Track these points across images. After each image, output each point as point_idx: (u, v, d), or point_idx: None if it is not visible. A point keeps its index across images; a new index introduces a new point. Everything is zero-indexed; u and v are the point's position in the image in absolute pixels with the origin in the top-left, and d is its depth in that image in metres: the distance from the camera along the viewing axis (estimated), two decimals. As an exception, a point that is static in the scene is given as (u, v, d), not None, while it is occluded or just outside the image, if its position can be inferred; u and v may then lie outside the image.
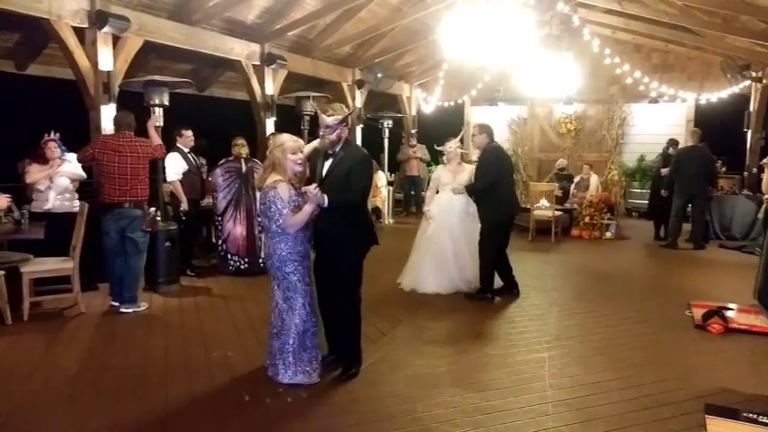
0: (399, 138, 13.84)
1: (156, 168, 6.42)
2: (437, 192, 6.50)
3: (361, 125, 12.27)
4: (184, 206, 6.71)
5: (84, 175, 6.11)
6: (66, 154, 6.01)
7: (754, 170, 10.73)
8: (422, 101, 14.64)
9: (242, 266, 6.95)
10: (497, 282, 6.11)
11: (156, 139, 5.83)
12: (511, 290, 6.18)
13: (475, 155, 6.59)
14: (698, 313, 5.25)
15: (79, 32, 6.23)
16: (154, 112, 6.29)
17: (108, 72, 6.36)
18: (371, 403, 3.61)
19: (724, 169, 11.23)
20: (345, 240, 3.90)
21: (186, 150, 6.92)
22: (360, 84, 11.80)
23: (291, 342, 3.78)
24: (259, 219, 6.64)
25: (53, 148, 5.94)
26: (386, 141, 12.62)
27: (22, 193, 6.00)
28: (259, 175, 4.05)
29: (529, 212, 9.90)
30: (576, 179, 11.21)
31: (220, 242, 7.03)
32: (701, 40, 10.97)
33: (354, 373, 3.98)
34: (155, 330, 5.02)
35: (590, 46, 10.88)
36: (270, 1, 8.36)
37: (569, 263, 8.17)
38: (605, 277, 7.27)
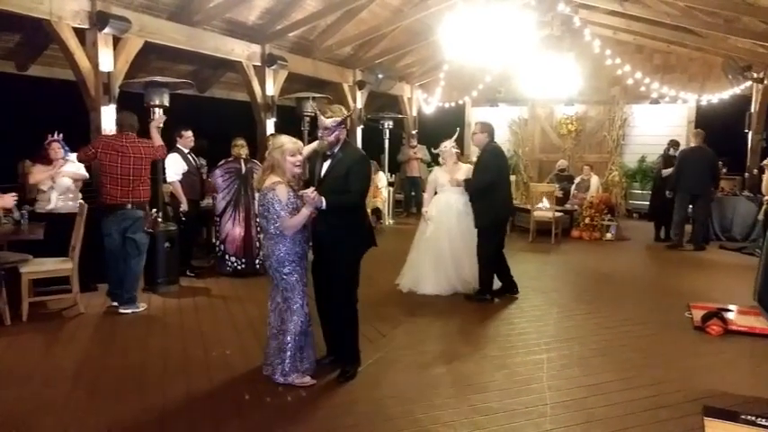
0: (400, 138, 13.84)
1: (156, 169, 6.43)
2: (435, 193, 6.50)
3: (362, 126, 12.27)
4: (184, 207, 6.72)
5: (86, 175, 6.13)
6: (68, 154, 6.02)
7: (755, 171, 10.71)
8: (422, 102, 14.64)
9: (239, 267, 6.96)
10: (496, 283, 6.11)
11: (158, 139, 5.84)
12: (510, 290, 6.17)
13: (474, 154, 6.59)
14: (697, 315, 5.24)
15: (80, 33, 6.24)
16: (154, 113, 6.30)
17: (108, 73, 6.37)
18: (370, 404, 3.61)
19: (725, 170, 11.20)
20: (343, 241, 3.90)
21: (186, 151, 6.93)
22: (360, 84, 11.81)
23: (289, 342, 3.79)
24: (257, 220, 6.67)
25: (56, 148, 5.96)
26: (386, 142, 12.65)
27: (22, 194, 6.01)
28: (258, 176, 4.05)
29: (529, 213, 9.90)
30: (577, 180, 11.21)
31: (218, 243, 7.04)
32: (703, 41, 10.96)
33: (353, 374, 3.98)
34: (154, 331, 5.02)
35: (591, 47, 10.89)
36: (271, 2, 8.37)
37: (569, 264, 8.16)
38: (605, 278, 7.27)
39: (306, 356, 3.90)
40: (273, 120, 9.33)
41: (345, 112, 4.02)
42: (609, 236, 9.94)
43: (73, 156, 5.97)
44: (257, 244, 6.91)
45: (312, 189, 3.70)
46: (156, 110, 6.33)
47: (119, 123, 5.71)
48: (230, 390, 3.82)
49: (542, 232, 9.81)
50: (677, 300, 5.99)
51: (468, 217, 6.08)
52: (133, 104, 6.24)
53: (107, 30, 6.22)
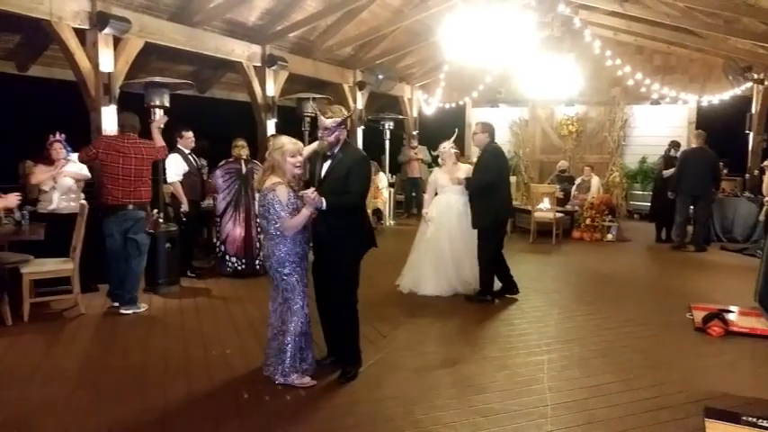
0: (400, 139, 13.84)
1: (157, 169, 6.43)
2: (436, 194, 6.50)
3: (363, 127, 12.27)
4: (185, 207, 6.72)
5: (88, 175, 6.12)
6: (70, 154, 6.02)
7: (756, 172, 10.71)
8: (423, 102, 14.64)
9: (239, 268, 6.96)
10: (496, 283, 6.10)
11: (160, 140, 5.84)
12: (510, 290, 6.17)
13: (474, 155, 6.59)
14: (698, 316, 5.23)
15: (80, 34, 6.23)
16: (154, 113, 6.30)
17: (109, 73, 6.36)
18: (371, 405, 3.61)
19: (726, 171, 11.20)
20: (344, 242, 3.90)
21: (187, 152, 6.93)
22: (361, 85, 11.80)
23: (289, 343, 3.79)
24: (257, 220, 6.67)
25: (58, 149, 5.97)
26: (387, 143, 12.67)
27: (23, 195, 6.01)
28: (258, 176, 4.05)
29: (530, 214, 9.89)
30: (578, 181, 11.21)
31: (219, 243, 7.04)
32: (703, 42, 10.96)
33: (354, 375, 3.98)
34: (154, 331, 5.03)
35: (591, 48, 10.88)
36: (271, 2, 8.36)
37: (570, 265, 8.16)
38: (606, 279, 7.26)
39: (306, 357, 3.90)
40: (274, 120, 9.32)
41: (345, 113, 4.02)
42: (610, 237, 9.94)
43: (74, 156, 5.97)
44: (257, 244, 6.91)
45: (312, 189, 3.70)
46: (157, 110, 6.33)
47: (120, 124, 5.71)
48: (230, 390, 3.82)
49: (543, 233, 9.81)
50: (678, 301, 5.98)
51: (468, 218, 6.08)
52: (133, 105, 6.24)
53: (107, 30, 6.22)
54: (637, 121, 13.12)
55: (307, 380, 3.85)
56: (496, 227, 5.99)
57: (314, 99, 9.30)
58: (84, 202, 5.99)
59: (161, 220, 6.24)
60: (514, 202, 10.81)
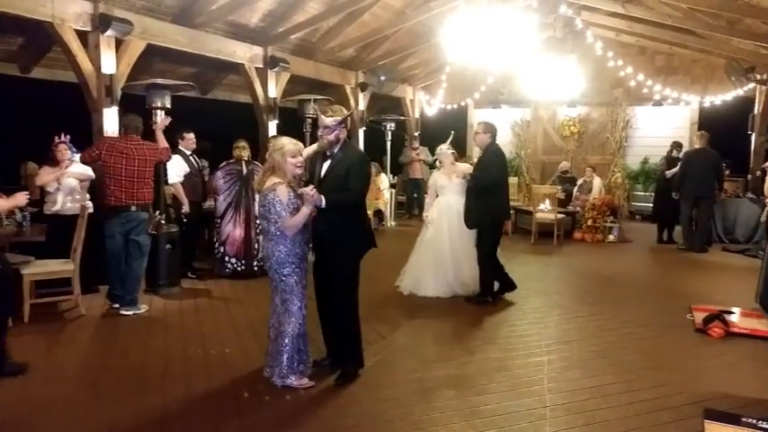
0: (402, 140, 13.84)
1: (158, 171, 6.43)
2: (437, 196, 6.51)
3: (364, 128, 12.28)
4: (186, 208, 6.73)
5: (92, 175, 6.12)
6: (75, 155, 6.04)
7: (758, 173, 10.68)
8: (425, 103, 14.64)
9: (239, 269, 6.96)
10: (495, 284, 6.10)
11: (163, 141, 5.86)
12: (508, 287, 6.15)
13: (476, 155, 6.59)
14: (699, 317, 5.23)
15: (82, 36, 6.25)
16: (156, 114, 6.31)
17: (111, 75, 6.39)
18: (370, 406, 3.61)
19: (728, 172, 11.17)
20: (344, 239, 3.91)
21: (188, 153, 6.95)
22: (363, 86, 11.81)
23: (287, 345, 3.79)
24: (257, 221, 6.68)
25: (63, 150, 5.98)
26: (389, 144, 12.68)
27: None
28: (258, 178, 4.06)
29: (531, 215, 9.89)
30: (579, 182, 11.20)
31: (217, 245, 7.05)
32: (706, 43, 10.94)
33: (354, 376, 3.98)
34: (155, 332, 5.03)
35: (593, 48, 10.86)
36: (273, 4, 8.38)
37: (571, 266, 8.14)
38: (607, 280, 7.25)
39: (304, 358, 3.91)
40: (275, 122, 9.34)
41: (345, 112, 4.04)
42: (611, 238, 9.92)
43: (77, 157, 5.99)
44: (256, 246, 6.92)
45: (311, 187, 3.71)
46: (160, 112, 6.34)
47: (124, 125, 5.72)
48: (230, 390, 3.82)
49: (544, 234, 9.80)
50: (680, 302, 5.97)
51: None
52: (135, 107, 6.25)
53: (109, 32, 6.24)
54: (639, 122, 13.08)
55: (305, 381, 3.85)
56: (496, 227, 5.99)
57: (315, 100, 9.31)
58: (89, 203, 6.02)
59: (163, 222, 6.25)
60: (516, 203, 10.86)
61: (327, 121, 3.93)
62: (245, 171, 7.01)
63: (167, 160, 6.13)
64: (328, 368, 4.08)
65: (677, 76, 12.54)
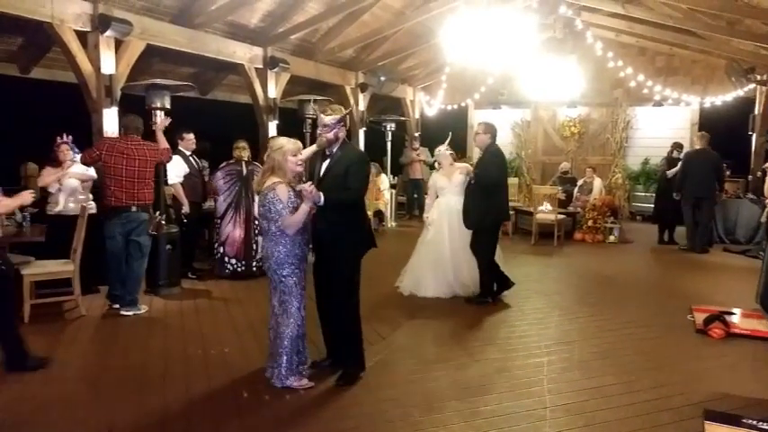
0: (402, 141, 13.84)
1: (158, 171, 6.43)
2: (437, 197, 6.51)
3: (364, 128, 12.28)
4: (186, 209, 6.73)
5: (94, 175, 6.13)
6: (77, 156, 6.04)
7: (759, 174, 10.67)
8: (425, 104, 14.64)
9: (239, 269, 6.96)
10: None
11: (164, 142, 5.85)
12: (505, 285, 6.14)
13: (476, 156, 6.59)
14: (699, 318, 5.22)
15: (82, 36, 6.26)
16: (155, 115, 6.31)
17: (110, 75, 6.39)
18: (370, 407, 3.60)
19: (728, 173, 11.17)
20: (343, 238, 3.91)
21: (188, 153, 6.95)
22: (363, 87, 11.81)
23: (286, 346, 3.78)
24: (257, 222, 6.68)
25: (65, 150, 5.99)
26: (389, 144, 12.68)
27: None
28: (258, 178, 4.06)
29: (532, 216, 9.88)
30: (580, 182, 11.19)
31: (217, 245, 7.05)
32: (706, 44, 10.94)
33: (354, 377, 3.97)
34: (155, 332, 5.03)
35: (593, 49, 10.86)
36: (273, 4, 8.38)
37: (572, 267, 8.14)
38: (608, 281, 7.24)
39: (303, 360, 3.90)
40: (275, 122, 9.34)
41: (345, 111, 4.05)
42: (612, 238, 9.92)
43: (77, 157, 5.99)
44: (255, 246, 6.92)
45: (310, 183, 3.71)
46: (159, 113, 6.34)
47: (124, 125, 5.72)
48: (230, 390, 3.82)
49: (545, 235, 9.79)
50: (680, 302, 5.96)
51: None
52: (135, 107, 6.25)
53: (109, 33, 6.24)
54: (639, 123, 13.07)
55: (305, 382, 3.84)
56: (496, 227, 5.99)
57: (315, 101, 9.32)
58: (92, 203, 6.01)
59: (163, 222, 6.25)
60: (516, 204, 10.86)
61: (326, 119, 3.94)
62: (245, 171, 7.01)
63: (168, 161, 6.12)
64: (328, 369, 4.08)
65: (677, 76, 12.54)
